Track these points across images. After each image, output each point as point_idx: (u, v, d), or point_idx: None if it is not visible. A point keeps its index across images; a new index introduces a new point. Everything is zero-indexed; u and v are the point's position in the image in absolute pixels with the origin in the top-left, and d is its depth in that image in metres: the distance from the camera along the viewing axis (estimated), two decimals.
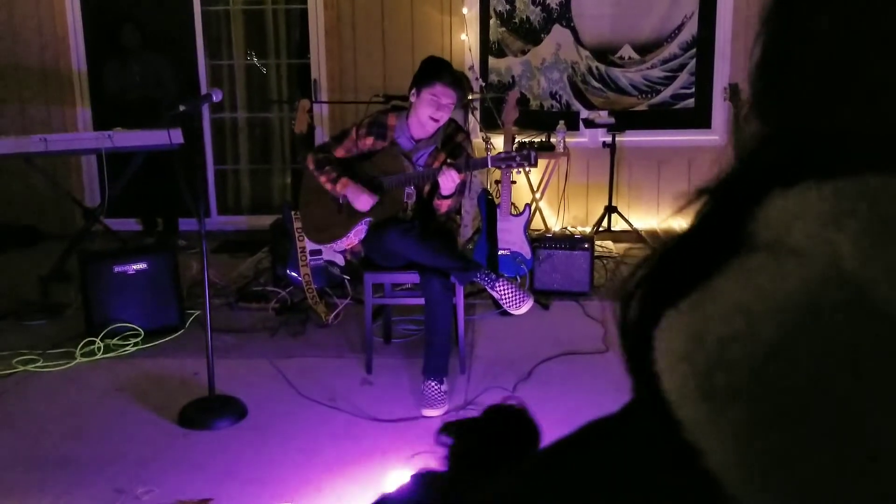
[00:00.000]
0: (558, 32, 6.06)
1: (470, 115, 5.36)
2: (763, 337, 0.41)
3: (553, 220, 5.98)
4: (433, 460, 0.62)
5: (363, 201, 3.39)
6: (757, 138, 0.50)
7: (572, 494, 0.56)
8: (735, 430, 0.41)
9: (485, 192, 4.68)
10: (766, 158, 0.49)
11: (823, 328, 0.40)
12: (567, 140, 5.64)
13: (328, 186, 3.48)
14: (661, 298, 0.49)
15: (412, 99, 3.39)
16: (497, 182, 5.09)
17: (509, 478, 0.60)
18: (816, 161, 0.46)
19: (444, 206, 3.41)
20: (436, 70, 3.36)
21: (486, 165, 3.42)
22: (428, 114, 3.33)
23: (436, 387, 3.23)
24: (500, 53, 6.15)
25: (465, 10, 5.99)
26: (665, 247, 0.53)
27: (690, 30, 5.95)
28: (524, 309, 3.34)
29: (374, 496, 0.68)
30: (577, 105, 6.13)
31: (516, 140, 5.26)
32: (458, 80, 3.38)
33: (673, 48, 5.99)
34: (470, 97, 5.56)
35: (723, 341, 0.43)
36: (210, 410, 3.15)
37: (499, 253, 4.49)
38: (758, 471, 0.40)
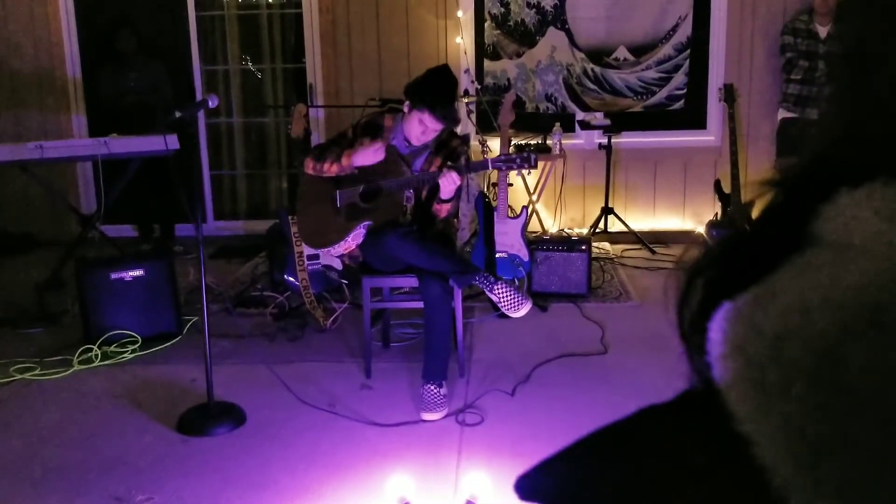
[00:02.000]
0: (553, 35, 6.06)
1: (467, 119, 5.36)
2: (819, 333, 0.41)
3: (550, 222, 5.98)
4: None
5: (373, 153, 3.36)
6: (830, 134, 0.51)
7: (624, 483, 0.56)
8: (784, 424, 0.41)
9: (482, 194, 4.68)
10: (837, 155, 0.49)
11: (882, 328, 0.39)
12: (563, 142, 5.65)
13: (335, 169, 3.43)
14: (721, 289, 0.49)
15: (405, 108, 3.38)
16: (494, 185, 5.09)
17: (560, 464, 0.60)
18: (889, 161, 0.46)
19: (443, 210, 3.41)
20: (431, 96, 3.29)
21: (487, 168, 3.42)
22: (413, 132, 3.35)
23: (435, 390, 3.22)
24: (496, 56, 6.15)
25: (459, 14, 5.99)
26: (729, 238, 0.53)
27: (685, 31, 5.96)
28: (522, 312, 3.33)
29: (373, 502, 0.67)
30: (572, 107, 6.14)
31: (512, 142, 5.26)
32: (448, 113, 3.31)
33: (667, 49, 6.00)
34: (466, 100, 5.57)
35: (779, 335, 0.43)
36: (209, 417, 3.14)
37: (496, 255, 4.50)
38: (806, 464, 0.40)
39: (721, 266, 0.51)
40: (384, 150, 3.36)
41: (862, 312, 0.40)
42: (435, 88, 3.34)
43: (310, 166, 3.52)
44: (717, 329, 0.47)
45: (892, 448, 0.38)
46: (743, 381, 0.44)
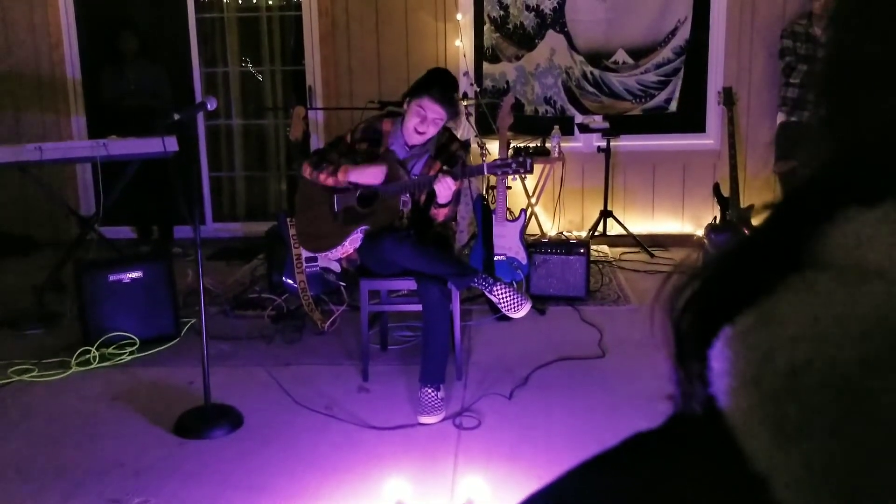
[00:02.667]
0: (552, 38, 6.07)
1: (465, 122, 5.36)
2: (841, 364, 0.39)
3: (549, 224, 5.98)
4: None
5: (372, 174, 3.37)
6: (830, 152, 0.48)
7: None
8: (810, 465, 0.39)
9: (480, 197, 4.68)
10: (841, 173, 0.47)
11: None
12: (562, 145, 5.65)
13: (330, 181, 3.45)
14: (719, 313, 0.46)
15: (405, 107, 3.41)
16: (492, 188, 5.09)
17: (551, 498, 0.57)
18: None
19: (440, 214, 3.41)
20: (427, 83, 3.36)
21: (482, 172, 3.42)
22: (413, 125, 3.34)
23: (432, 394, 3.22)
24: (495, 59, 6.16)
25: (459, 17, 5.99)
26: (720, 256, 0.50)
27: (684, 34, 5.97)
28: (522, 312, 3.33)
29: None
30: (571, 110, 6.14)
31: (511, 145, 5.26)
32: (447, 97, 3.34)
33: (667, 52, 6.00)
34: (465, 103, 5.57)
35: (794, 368, 0.40)
36: (206, 419, 3.13)
37: (495, 258, 4.50)
38: None
39: (718, 287, 0.49)
40: (385, 172, 3.36)
41: (884, 343, 0.38)
42: (433, 77, 3.41)
43: (307, 171, 3.53)
44: (721, 358, 0.45)
45: None
46: (755, 417, 0.42)
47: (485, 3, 6.09)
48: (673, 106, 6.06)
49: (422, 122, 3.33)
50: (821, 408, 0.39)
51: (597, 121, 5.93)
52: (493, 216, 4.52)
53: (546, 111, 6.17)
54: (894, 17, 0.44)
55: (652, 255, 5.68)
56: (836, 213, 0.44)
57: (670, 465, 0.51)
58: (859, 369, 0.38)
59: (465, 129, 5.32)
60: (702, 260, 0.51)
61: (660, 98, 6.07)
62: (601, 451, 0.55)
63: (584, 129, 5.97)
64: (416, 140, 3.41)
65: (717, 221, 5.22)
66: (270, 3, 6.59)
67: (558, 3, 6.01)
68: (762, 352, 0.42)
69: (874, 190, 0.43)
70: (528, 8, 6.04)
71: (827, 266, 0.44)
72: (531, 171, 3.37)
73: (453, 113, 3.41)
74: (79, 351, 3.89)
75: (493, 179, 5.15)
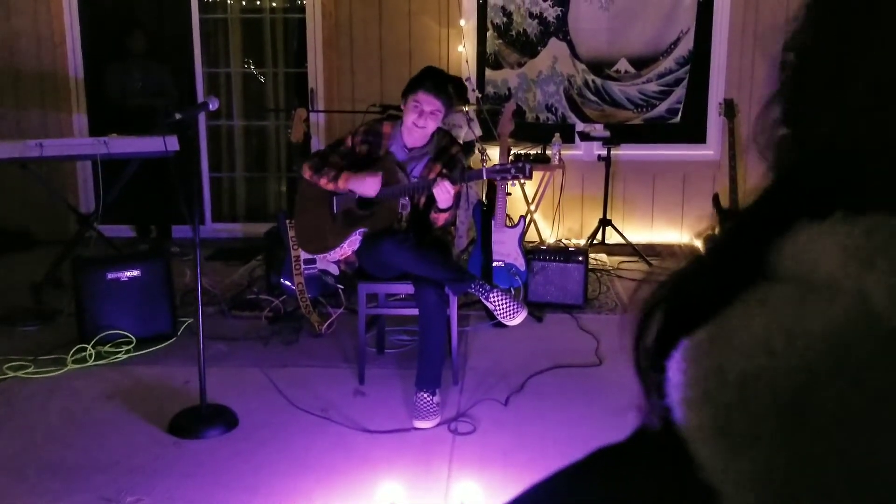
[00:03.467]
0: (555, 45, 6.08)
1: (468, 127, 5.36)
2: (786, 377, 0.40)
3: (548, 232, 5.99)
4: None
5: (369, 185, 3.38)
6: (786, 166, 0.49)
7: None
8: (753, 474, 0.40)
9: (480, 203, 4.69)
10: (794, 187, 0.47)
11: (853, 370, 0.38)
12: (562, 152, 5.66)
13: (330, 186, 3.47)
14: (677, 325, 0.47)
15: (402, 107, 3.43)
16: (492, 193, 5.09)
17: None
18: (848, 193, 0.44)
19: (440, 219, 3.42)
20: (420, 77, 3.41)
21: (481, 177, 3.43)
22: (412, 120, 3.37)
23: (428, 398, 3.22)
24: (497, 65, 6.17)
25: (462, 22, 6.01)
26: (683, 270, 0.51)
27: (686, 45, 5.98)
28: (518, 320, 3.34)
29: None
30: (572, 118, 6.15)
31: (512, 152, 5.26)
32: (441, 87, 3.37)
33: (669, 63, 6.02)
34: (466, 108, 5.58)
35: (744, 378, 0.41)
36: (201, 419, 3.13)
37: (493, 264, 4.50)
38: None
39: (676, 300, 0.49)
40: (380, 182, 3.38)
41: (829, 354, 0.39)
42: (425, 72, 3.45)
43: (307, 174, 3.54)
44: (677, 369, 0.45)
45: (868, 495, 0.37)
46: (706, 428, 0.42)
47: (488, 10, 6.11)
48: (677, 118, 6.07)
49: (420, 117, 3.35)
50: (766, 418, 0.39)
51: (597, 129, 5.94)
52: (493, 222, 4.52)
53: (547, 118, 6.18)
54: (844, 35, 0.44)
55: (650, 265, 5.68)
56: (791, 225, 0.45)
57: (628, 478, 0.51)
58: (803, 382, 0.39)
59: (466, 132, 5.32)
60: (670, 271, 0.51)
61: (661, 108, 6.09)
62: (564, 466, 0.55)
63: (585, 137, 5.98)
64: (416, 136, 3.42)
65: (716, 232, 5.23)
66: (274, 4, 6.60)
67: (561, 11, 6.02)
68: (714, 364, 0.43)
69: (825, 203, 0.44)
70: (531, 15, 6.06)
71: (780, 279, 0.44)
72: (530, 177, 3.37)
73: (448, 103, 3.43)
74: (75, 348, 3.88)
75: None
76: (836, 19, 0.45)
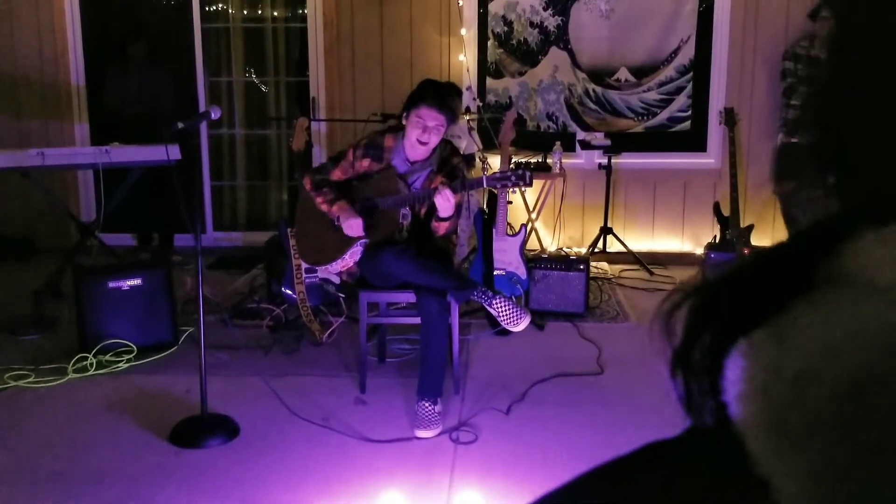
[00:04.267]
0: (555, 54, 6.10)
1: (469, 136, 5.37)
2: (845, 376, 0.40)
3: (549, 240, 5.99)
4: None
5: (351, 226, 3.41)
6: (845, 173, 0.50)
7: None
8: (810, 469, 0.40)
9: (481, 211, 4.69)
10: (854, 194, 0.48)
11: None
12: (563, 161, 5.67)
13: (324, 207, 3.49)
14: (735, 326, 0.48)
15: (404, 121, 3.42)
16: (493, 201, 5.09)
17: (565, 498, 0.58)
18: None
19: (442, 228, 3.42)
20: (421, 92, 3.39)
21: (482, 185, 3.43)
22: (415, 136, 3.36)
23: (430, 407, 3.21)
24: (498, 74, 6.19)
25: (463, 31, 6.02)
26: (739, 272, 0.52)
27: (687, 53, 6.00)
28: (522, 325, 3.33)
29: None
30: (573, 126, 6.16)
31: (513, 160, 5.27)
32: (443, 102, 3.36)
33: (669, 71, 6.03)
34: (467, 117, 5.59)
35: (801, 377, 0.42)
36: (202, 429, 3.13)
37: (494, 273, 4.50)
38: None
39: (734, 302, 0.50)
40: (361, 229, 3.42)
41: (889, 355, 0.39)
42: (425, 86, 3.44)
43: (308, 185, 3.55)
44: (734, 367, 0.46)
45: None
46: (763, 423, 0.43)
47: (489, 19, 6.13)
48: (679, 126, 6.08)
49: (423, 132, 3.35)
50: (825, 417, 0.40)
51: (598, 138, 5.95)
52: (494, 231, 4.52)
53: (548, 127, 6.19)
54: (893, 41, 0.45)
55: (651, 273, 5.69)
56: (850, 232, 0.45)
57: (681, 470, 0.52)
58: (863, 381, 0.39)
59: (468, 143, 5.33)
60: (707, 278, 0.52)
61: (662, 116, 6.10)
62: (615, 456, 0.56)
63: (586, 145, 5.98)
64: (420, 151, 3.42)
65: (717, 240, 5.23)
66: (276, 14, 6.62)
67: (562, 20, 6.04)
68: (773, 362, 0.43)
69: (885, 210, 0.44)
70: (531, 24, 6.08)
71: (840, 284, 0.45)
72: (530, 185, 3.38)
73: (452, 117, 3.43)
74: (76, 357, 3.88)
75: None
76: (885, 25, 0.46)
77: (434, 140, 3.39)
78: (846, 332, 0.41)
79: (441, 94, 3.39)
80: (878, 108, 0.46)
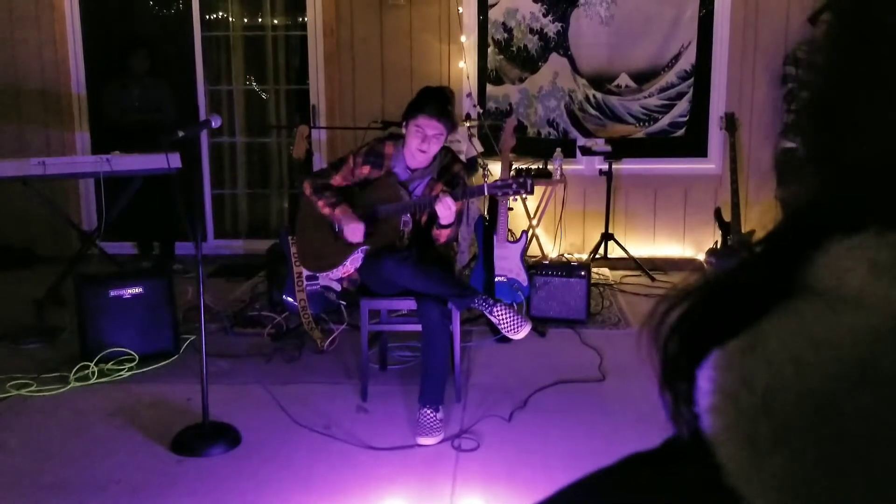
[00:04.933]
0: (555, 61, 6.10)
1: (469, 143, 5.38)
2: (812, 386, 0.40)
3: (550, 247, 5.99)
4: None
5: (353, 231, 3.40)
6: (818, 179, 0.50)
7: None
8: (777, 480, 0.40)
9: (482, 218, 4.69)
10: (827, 201, 0.48)
11: (878, 383, 0.39)
12: (564, 167, 5.67)
13: (326, 211, 3.49)
14: (706, 336, 0.48)
15: (404, 130, 3.43)
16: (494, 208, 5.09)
17: None
18: (882, 211, 0.44)
19: (442, 235, 3.42)
20: (421, 101, 3.39)
21: (483, 193, 3.43)
22: (415, 145, 3.36)
23: (431, 415, 3.21)
24: (498, 81, 6.19)
25: (463, 39, 6.03)
26: (713, 282, 0.52)
27: (688, 59, 6.00)
28: (522, 333, 3.33)
29: None
30: (574, 133, 6.17)
31: (513, 167, 5.27)
32: (442, 111, 3.36)
33: (671, 77, 6.03)
34: (468, 124, 5.60)
35: (771, 388, 0.42)
36: (203, 437, 3.12)
37: (495, 280, 4.49)
38: None
39: (708, 311, 0.50)
40: (363, 234, 3.40)
41: (856, 365, 0.39)
42: (424, 95, 3.44)
43: (307, 191, 3.55)
44: (706, 377, 0.46)
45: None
46: (733, 434, 0.43)
47: (489, 26, 6.13)
48: (681, 131, 6.08)
49: (423, 141, 3.35)
50: (793, 426, 0.40)
51: (599, 144, 5.95)
52: (495, 237, 4.52)
53: (549, 133, 6.19)
54: (890, 50, 0.45)
55: (653, 279, 5.68)
56: (824, 240, 0.45)
57: (657, 482, 0.52)
58: (831, 391, 0.40)
59: (468, 148, 5.33)
60: (695, 283, 0.52)
61: (663, 122, 6.10)
62: (597, 469, 0.56)
63: (587, 151, 5.99)
64: (420, 160, 3.42)
65: (718, 246, 5.23)
66: (276, 22, 6.64)
67: (562, 26, 6.05)
68: (743, 372, 0.44)
69: (858, 218, 0.44)
70: (531, 31, 6.08)
71: (811, 293, 0.45)
72: (532, 192, 3.38)
73: (451, 126, 3.44)
74: (78, 366, 3.88)
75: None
76: (864, 40, 0.46)
77: (434, 149, 3.40)
78: (814, 342, 0.42)
79: (440, 103, 3.39)
80: (865, 112, 0.46)
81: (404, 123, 3.42)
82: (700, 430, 0.46)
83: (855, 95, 0.46)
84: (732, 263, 0.52)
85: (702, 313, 0.50)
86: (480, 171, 5.17)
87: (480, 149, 5.50)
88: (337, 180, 3.54)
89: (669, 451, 0.54)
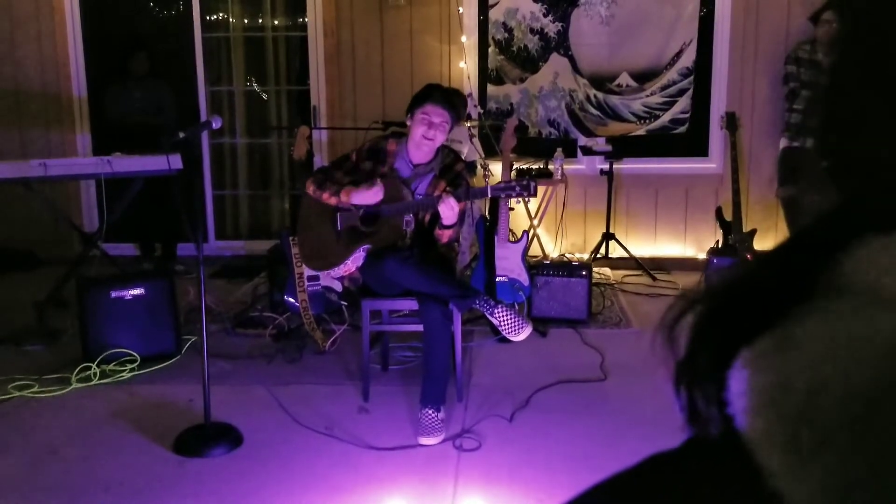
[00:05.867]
0: (556, 60, 6.10)
1: (469, 143, 5.37)
2: (855, 387, 0.40)
3: (551, 247, 5.99)
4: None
5: (372, 194, 3.39)
6: (847, 180, 0.49)
7: None
8: (824, 483, 0.40)
9: (483, 218, 4.69)
10: (858, 204, 0.48)
11: None
12: (565, 167, 5.66)
13: (332, 201, 3.48)
14: (731, 337, 0.48)
15: (408, 122, 3.45)
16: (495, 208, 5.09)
17: None
18: None
19: (445, 235, 3.42)
20: (427, 91, 3.46)
21: (486, 194, 3.43)
22: (421, 133, 3.38)
23: (433, 415, 3.21)
24: (499, 81, 6.19)
25: (463, 39, 6.03)
26: (734, 284, 0.51)
27: (689, 56, 6.00)
28: (523, 335, 3.33)
29: None
30: (575, 132, 6.17)
31: (514, 167, 5.27)
32: (448, 99, 3.42)
33: (672, 74, 6.03)
34: (468, 124, 5.59)
35: (811, 389, 0.41)
36: (205, 438, 3.12)
37: (497, 280, 4.49)
38: None
39: (735, 311, 0.50)
40: (382, 191, 3.38)
41: None
42: (429, 87, 3.50)
43: (310, 189, 3.55)
44: (738, 378, 0.46)
45: None
46: (774, 436, 0.43)
47: (489, 26, 6.13)
48: (682, 128, 6.07)
49: (429, 129, 3.37)
50: (836, 429, 0.40)
51: (600, 143, 5.95)
52: (496, 237, 4.52)
53: (549, 133, 6.19)
54: None
55: (654, 279, 5.68)
56: (852, 240, 0.45)
57: (689, 484, 0.51)
58: (874, 390, 0.39)
59: (469, 150, 5.33)
60: (707, 286, 0.52)
61: (664, 119, 6.09)
62: (619, 470, 0.55)
63: (587, 151, 5.98)
64: (425, 150, 3.44)
65: (719, 245, 5.22)
66: (276, 23, 6.64)
67: (562, 26, 6.05)
68: (780, 374, 0.43)
69: (890, 218, 0.44)
70: (532, 31, 6.08)
71: (843, 292, 0.44)
72: (535, 195, 3.38)
73: (456, 116, 3.48)
74: (79, 367, 3.88)
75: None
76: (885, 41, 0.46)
77: (440, 138, 3.41)
78: (853, 342, 0.41)
79: (446, 93, 3.45)
80: (884, 111, 0.46)
81: (409, 115, 3.44)
82: (734, 431, 0.46)
83: (888, 97, 0.46)
84: (752, 265, 0.51)
85: (726, 315, 0.50)
86: (481, 171, 5.16)
87: (481, 152, 5.50)
88: (338, 177, 3.55)
89: (696, 450, 0.53)
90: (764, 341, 0.45)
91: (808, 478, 0.41)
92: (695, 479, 0.51)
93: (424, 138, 3.39)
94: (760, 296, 0.49)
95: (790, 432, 0.42)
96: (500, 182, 3.44)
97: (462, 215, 3.42)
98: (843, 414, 0.40)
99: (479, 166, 5.25)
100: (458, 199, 3.28)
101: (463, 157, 4.82)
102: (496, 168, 5.10)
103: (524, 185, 3.28)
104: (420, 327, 3.35)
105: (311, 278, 4.27)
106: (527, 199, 5.45)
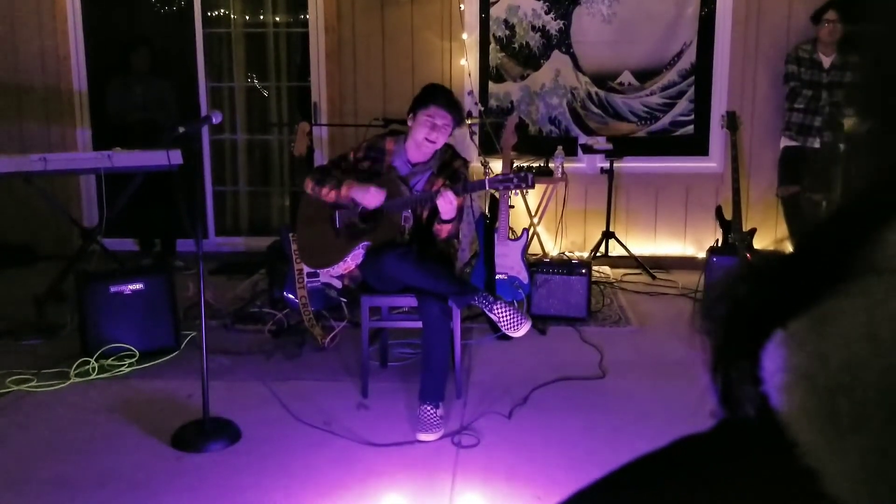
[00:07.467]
0: (557, 58, 6.10)
1: (470, 140, 5.37)
2: (893, 363, 0.40)
3: (551, 244, 5.98)
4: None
5: (372, 195, 3.38)
6: (885, 164, 0.49)
7: None
8: (861, 455, 0.40)
9: (483, 216, 4.69)
10: (893, 184, 0.48)
11: None
12: (565, 165, 5.66)
13: (332, 196, 3.47)
14: (767, 316, 0.48)
15: (409, 123, 3.44)
16: (495, 206, 5.09)
17: (601, 494, 0.57)
18: None
19: (443, 231, 3.42)
20: (431, 92, 3.46)
21: (484, 187, 3.42)
22: (423, 135, 3.37)
23: (431, 411, 3.21)
24: (500, 78, 6.19)
25: (464, 36, 6.03)
26: (770, 264, 0.52)
27: (689, 57, 6.00)
28: (522, 331, 3.32)
29: None
30: (575, 131, 6.16)
31: (515, 165, 5.27)
32: (452, 102, 3.43)
33: (672, 75, 6.03)
34: (469, 122, 5.59)
35: (848, 365, 0.41)
36: (204, 433, 3.12)
37: (496, 277, 4.49)
38: (888, 501, 0.39)
39: (769, 292, 0.50)
40: (383, 194, 3.39)
41: None
42: (433, 88, 3.50)
43: (309, 187, 3.54)
44: (774, 357, 0.46)
45: None
46: (810, 412, 0.43)
47: (490, 23, 6.13)
48: (682, 130, 6.07)
49: (432, 130, 3.36)
50: (875, 404, 0.40)
51: (600, 142, 5.94)
52: (496, 235, 4.52)
53: (550, 131, 6.19)
54: None
55: (654, 277, 5.68)
56: (887, 219, 0.45)
57: (720, 462, 0.51)
58: None
59: (468, 149, 5.33)
60: (748, 268, 0.51)
61: (664, 120, 6.09)
62: (650, 451, 0.55)
63: (588, 150, 5.98)
64: (425, 151, 3.43)
65: (719, 244, 5.22)
66: (277, 19, 6.63)
67: (564, 24, 6.04)
68: (817, 350, 0.43)
69: None
70: (533, 28, 6.08)
71: (881, 271, 0.44)
72: (532, 186, 3.36)
73: (459, 118, 3.48)
74: (78, 362, 3.88)
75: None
76: None
77: (441, 139, 3.41)
78: (891, 320, 0.41)
79: (450, 96, 3.45)
80: None
81: (411, 115, 3.43)
82: (768, 409, 0.46)
83: None
84: (798, 242, 0.51)
85: (763, 294, 0.50)
86: (481, 168, 5.16)
87: (476, 153, 5.49)
88: (337, 175, 3.54)
89: (729, 431, 0.53)
90: (801, 320, 0.45)
91: (845, 451, 0.41)
92: (727, 457, 0.51)
93: (427, 140, 3.38)
94: (794, 277, 0.49)
95: (827, 408, 0.42)
96: (497, 174, 3.43)
97: (461, 211, 3.42)
98: (880, 389, 0.40)
99: (477, 164, 5.25)
100: (457, 194, 3.28)
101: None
102: (496, 166, 5.10)
103: (522, 176, 3.27)
104: (419, 324, 3.35)
105: (310, 275, 4.28)
106: (525, 194, 5.45)
